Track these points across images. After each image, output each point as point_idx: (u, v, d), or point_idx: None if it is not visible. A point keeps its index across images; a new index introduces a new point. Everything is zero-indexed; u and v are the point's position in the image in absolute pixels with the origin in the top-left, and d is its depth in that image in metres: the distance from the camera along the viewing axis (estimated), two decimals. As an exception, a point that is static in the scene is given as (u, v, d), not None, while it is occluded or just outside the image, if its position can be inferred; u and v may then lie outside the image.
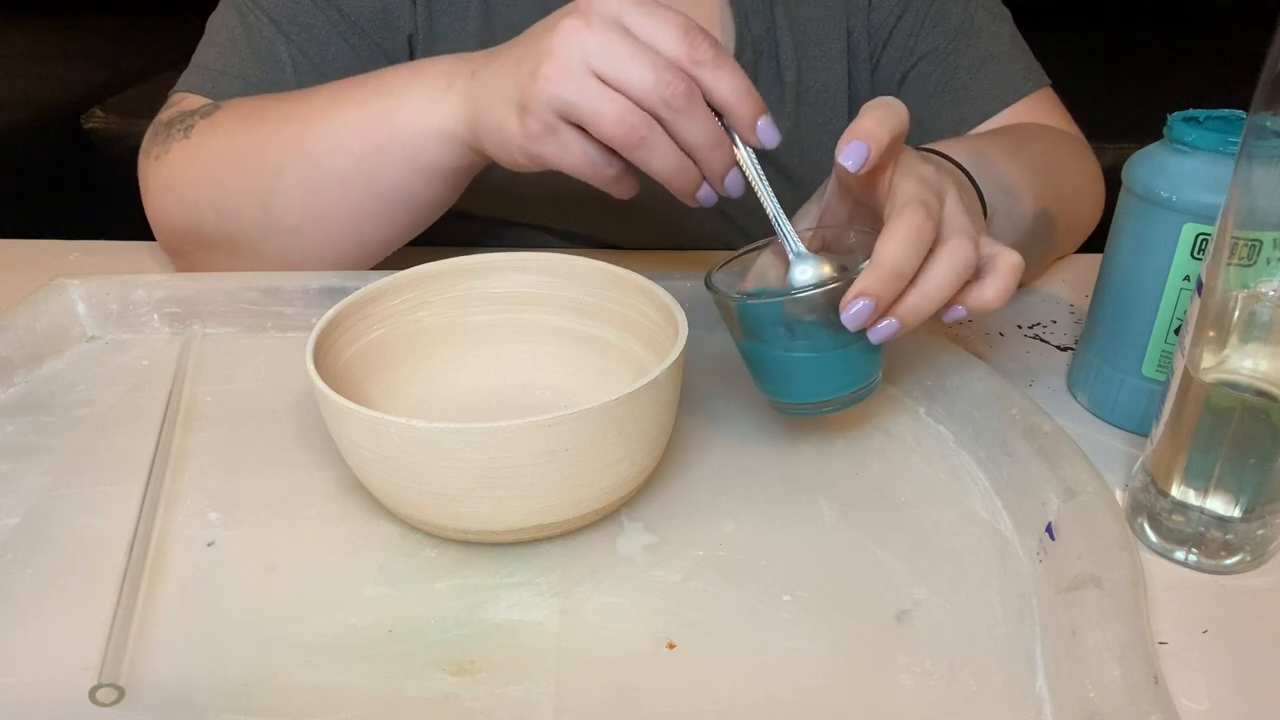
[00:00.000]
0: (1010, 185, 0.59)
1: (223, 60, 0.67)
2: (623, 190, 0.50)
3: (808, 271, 0.47)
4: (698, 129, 0.45)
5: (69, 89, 1.66)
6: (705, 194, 0.49)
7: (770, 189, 0.47)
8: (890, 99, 0.45)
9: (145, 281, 0.61)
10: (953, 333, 0.62)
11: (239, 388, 0.56)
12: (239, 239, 0.61)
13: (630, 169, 0.48)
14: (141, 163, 0.65)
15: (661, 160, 0.46)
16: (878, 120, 0.43)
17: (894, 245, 0.42)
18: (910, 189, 0.44)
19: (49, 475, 0.49)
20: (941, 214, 0.44)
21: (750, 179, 0.47)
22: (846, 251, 0.50)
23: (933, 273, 0.43)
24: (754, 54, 0.73)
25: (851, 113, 0.76)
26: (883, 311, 0.43)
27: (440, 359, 0.53)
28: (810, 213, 0.52)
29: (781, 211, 0.47)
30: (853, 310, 0.42)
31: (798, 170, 0.75)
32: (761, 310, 0.47)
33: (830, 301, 0.44)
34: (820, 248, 0.50)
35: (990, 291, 0.45)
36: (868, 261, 0.43)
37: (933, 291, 0.43)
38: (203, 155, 0.61)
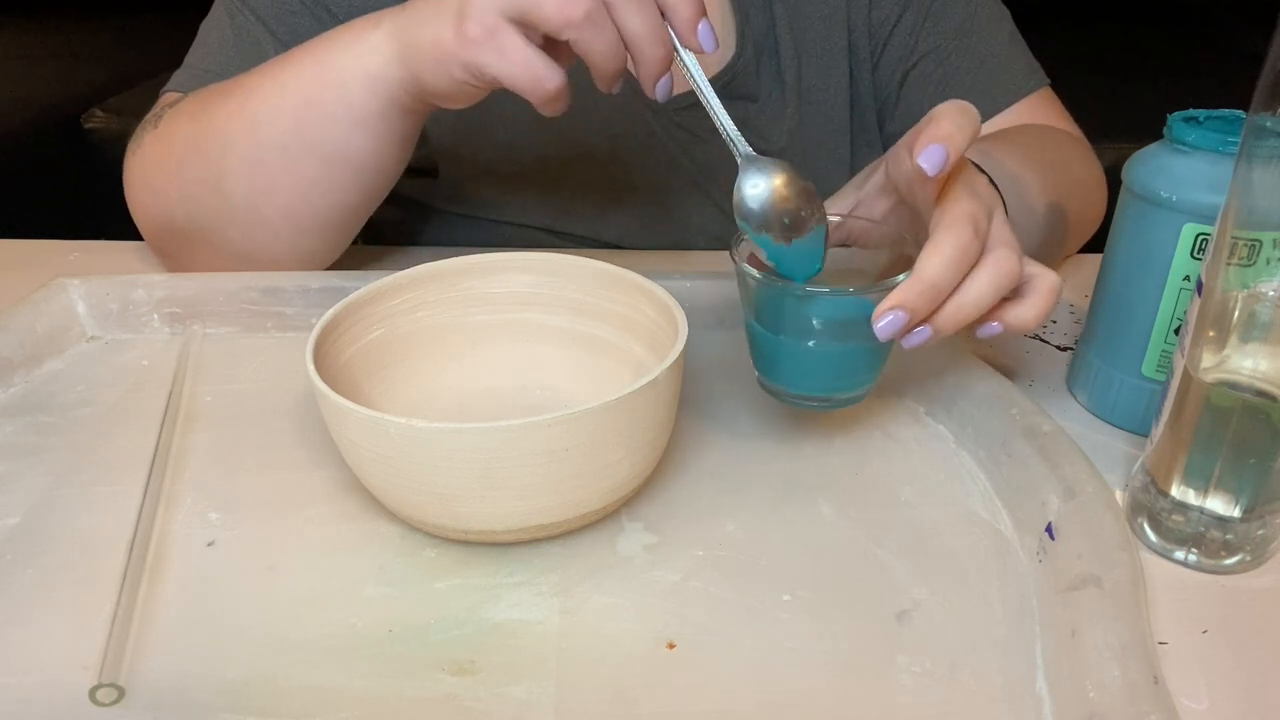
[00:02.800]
0: (1021, 188, 0.59)
1: (210, 60, 0.67)
2: (554, 108, 0.49)
3: (759, 183, 0.46)
4: (641, 18, 0.45)
5: (69, 89, 1.66)
6: (620, 84, 0.48)
7: (715, 94, 0.46)
8: (966, 104, 0.44)
9: (145, 281, 0.61)
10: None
11: (239, 388, 0.56)
12: (205, 226, 0.61)
13: (566, 85, 0.47)
14: (125, 162, 0.65)
15: (602, 41, 0.45)
16: (958, 126, 0.42)
17: (938, 261, 0.41)
18: (964, 205, 0.43)
19: (49, 475, 0.49)
20: (989, 229, 0.44)
21: (692, 82, 0.47)
22: (872, 249, 0.49)
23: (974, 283, 0.43)
24: (754, 52, 0.73)
25: (853, 112, 0.77)
26: (915, 325, 0.43)
27: (440, 359, 0.53)
28: (846, 200, 0.51)
29: (727, 115, 0.46)
30: (884, 321, 0.42)
31: (799, 169, 0.75)
32: (782, 295, 0.46)
33: (860, 303, 0.43)
34: (846, 237, 0.50)
35: (1031, 312, 0.45)
36: (907, 274, 0.42)
37: (972, 301, 0.43)
38: (167, 144, 0.61)
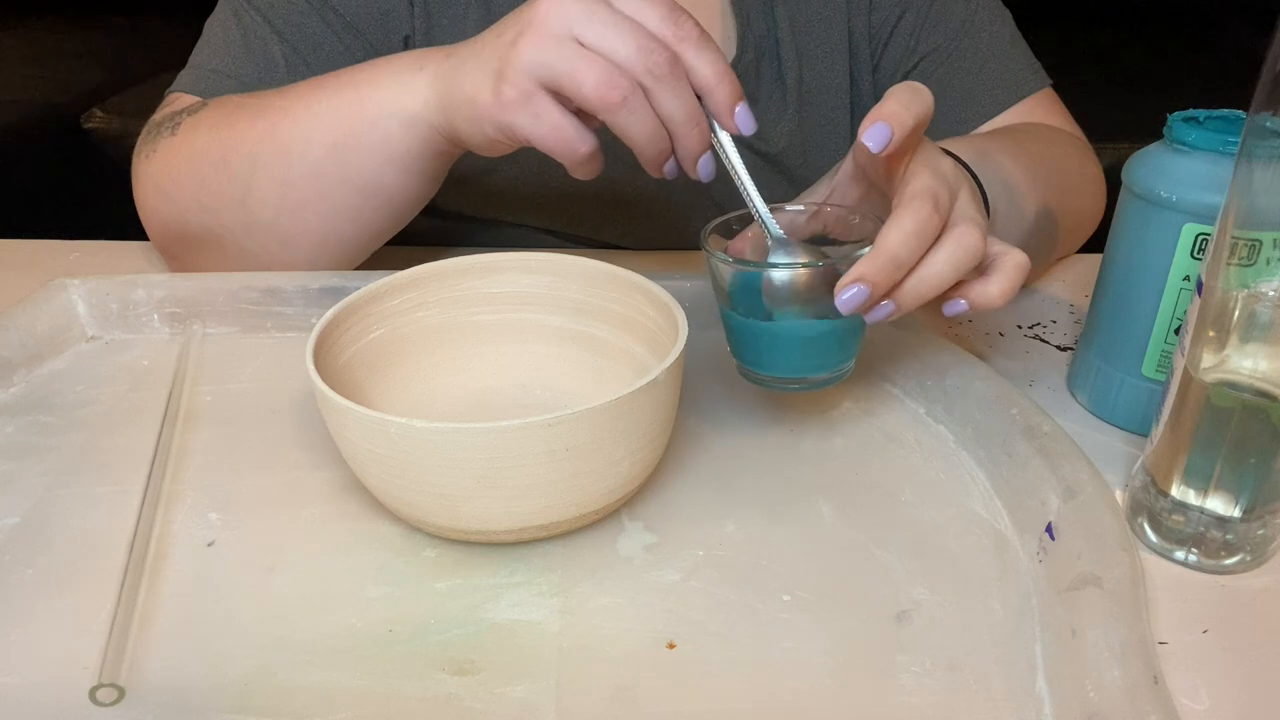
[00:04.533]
0: (1013, 185, 0.59)
1: (216, 60, 0.67)
2: (587, 171, 0.49)
3: (786, 258, 0.47)
4: (678, 102, 0.45)
5: (69, 89, 1.65)
6: (671, 168, 0.48)
7: (749, 176, 0.47)
8: (917, 84, 0.45)
9: (145, 281, 0.61)
10: (953, 333, 0.62)
11: (239, 388, 0.56)
12: (223, 235, 0.61)
13: (599, 150, 0.48)
14: (134, 162, 0.65)
15: (640, 125, 0.45)
16: (903, 104, 0.43)
17: (897, 234, 0.42)
18: (924, 180, 0.43)
19: (49, 475, 0.49)
20: (952, 208, 0.44)
21: (728, 164, 0.47)
22: (847, 235, 0.50)
23: (935, 258, 0.43)
24: (755, 55, 0.73)
25: (854, 113, 0.77)
26: (878, 299, 0.43)
27: (440, 359, 0.53)
28: (820, 190, 0.52)
29: (760, 197, 0.47)
30: (847, 295, 0.42)
31: (799, 171, 0.75)
32: (750, 278, 0.47)
33: (825, 280, 0.44)
34: (822, 226, 0.50)
35: (995, 288, 0.45)
36: (868, 248, 0.43)
37: (933, 275, 0.43)
38: (187, 153, 0.61)
